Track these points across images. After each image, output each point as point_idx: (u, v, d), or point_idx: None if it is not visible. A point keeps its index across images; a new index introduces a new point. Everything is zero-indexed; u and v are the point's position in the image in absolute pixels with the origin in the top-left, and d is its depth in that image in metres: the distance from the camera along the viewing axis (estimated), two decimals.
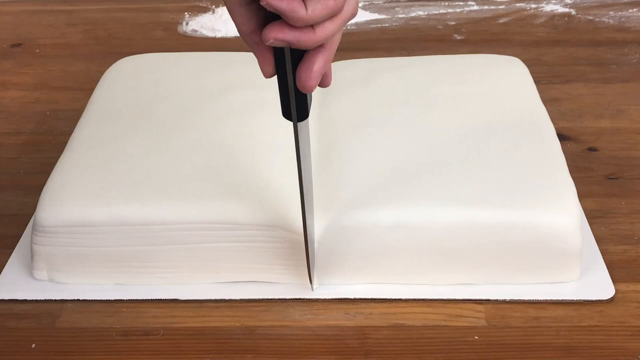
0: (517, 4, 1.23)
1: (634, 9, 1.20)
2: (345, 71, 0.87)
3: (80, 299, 0.69)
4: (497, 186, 0.69)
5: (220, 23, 1.20)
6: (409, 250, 0.67)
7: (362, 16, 1.21)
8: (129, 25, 1.21)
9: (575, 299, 0.68)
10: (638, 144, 0.88)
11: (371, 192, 0.69)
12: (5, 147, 0.91)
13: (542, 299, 0.68)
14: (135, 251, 0.68)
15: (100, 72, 0.88)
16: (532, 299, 0.68)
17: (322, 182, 0.71)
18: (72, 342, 0.65)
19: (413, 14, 1.22)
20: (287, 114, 0.56)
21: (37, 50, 1.14)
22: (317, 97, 0.83)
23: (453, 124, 0.76)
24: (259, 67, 0.86)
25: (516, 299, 0.68)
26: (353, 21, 1.20)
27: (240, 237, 0.68)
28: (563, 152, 0.74)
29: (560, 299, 0.68)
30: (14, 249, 0.74)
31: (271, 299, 0.69)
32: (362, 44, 1.14)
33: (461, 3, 1.24)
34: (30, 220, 0.75)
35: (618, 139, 0.89)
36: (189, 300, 0.69)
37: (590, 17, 1.19)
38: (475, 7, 1.23)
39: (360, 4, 1.24)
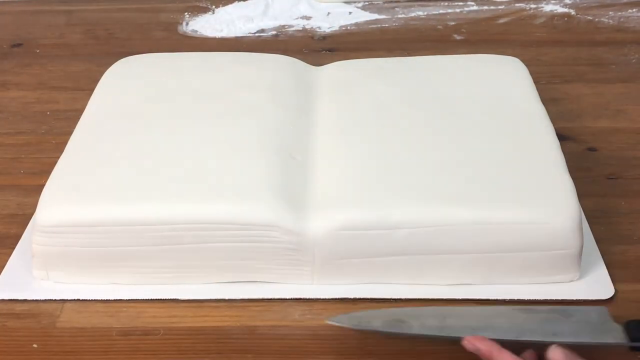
0: (517, 4, 1.23)
1: (634, 9, 1.20)
2: (345, 71, 0.87)
3: (80, 299, 0.69)
4: (496, 186, 0.69)
5: (220, 23, 1.20)
6: (408, 250, 0.67)
7: (362, 16, 1.21)
8: (129, 25, 1.21)
9: (575, 299, 0.68)
10: (638, 144, 0.88)
11: (371, 192, 0.69)
12: (5, 147, 0.91)
13: (541, 298, 0.68)
14: (135, 251, 0.68)
15: (100, 72, 0.88)
16: (531, 298, 0.68)
17: (322, 182, 0.71)
18: (72, 342, 0.65)
19: (413, 14, 1.21)
20: None
21: (37, 50, 1.14)
22: (318, 96, 0.83)
23: (453, 124, 0.76)
24: (258, 68, 0.86)
25: (516, 298, 0.68)
26: (353, 21, 1.20)
27: (240, 237, 0.68)
28: (563, 152, 0.74)
29: (560, 298, 0.68)
30: (14, 249, 0.74)
31: (271, 299, 0.69)
32: (362, 44, 1.14)
33: (461, 3, 1.24)
34: (30, 220, 0.75)
35: (618, 139, 0.89)
36: (189, 300, 0.69)
37: (590, 18, 1.19)
38: (475, 8, 1.23)
39: (360, 4, 1.24)
